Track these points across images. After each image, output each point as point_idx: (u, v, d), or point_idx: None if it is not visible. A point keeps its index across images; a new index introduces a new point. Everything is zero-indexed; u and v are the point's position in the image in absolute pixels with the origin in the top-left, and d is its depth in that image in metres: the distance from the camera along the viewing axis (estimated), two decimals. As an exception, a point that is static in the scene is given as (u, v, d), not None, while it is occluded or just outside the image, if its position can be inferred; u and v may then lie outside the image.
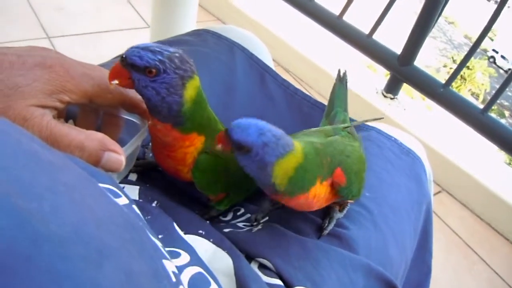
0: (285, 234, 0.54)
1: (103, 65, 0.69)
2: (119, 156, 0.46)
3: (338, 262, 0.52)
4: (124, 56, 0.46)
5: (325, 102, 2.35)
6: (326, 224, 0.57)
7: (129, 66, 0.46)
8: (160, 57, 0.45)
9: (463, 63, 1.82)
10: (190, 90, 0.47)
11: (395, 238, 0.61)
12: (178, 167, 0.52)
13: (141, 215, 0.41)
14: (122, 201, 0.38)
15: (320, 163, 0.52)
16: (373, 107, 1.97)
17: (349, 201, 0.59)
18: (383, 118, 0.74)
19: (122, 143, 0.49)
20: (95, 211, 0.27)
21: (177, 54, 0.46)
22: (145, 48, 0.45)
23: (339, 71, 0.75)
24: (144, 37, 2.15)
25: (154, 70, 0.45)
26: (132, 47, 0.46)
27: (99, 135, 0.45)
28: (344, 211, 0.60)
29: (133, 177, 0.57)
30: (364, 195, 0.62)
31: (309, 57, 2.19)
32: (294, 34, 2.29)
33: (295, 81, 2.20)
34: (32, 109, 0.42)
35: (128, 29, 2.21)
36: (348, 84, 2.27)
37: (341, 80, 0.75)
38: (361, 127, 0.75)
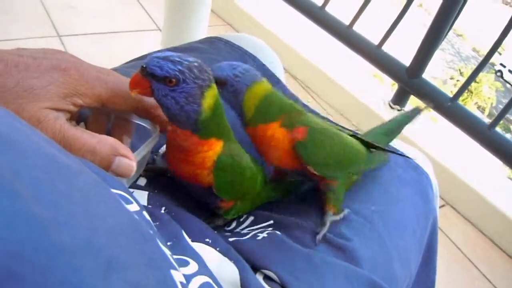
0: (291, 246, 0.54)
1: (115, 70, 0.70)
2: (130, 161, 0.46)
3: (343, 277, 0.52)
4: (144, 66, 0.46)
5: (331, 111, 2.33)
6: (319, 230, 0.58)
7: (149, 75, 0.47)
8: (180, 67, 0.46)
9: (472, 78, 1.82)
10: (208, 99, 0.48)
11: (399, 254, 0.61)
12: (197, 171, 0.53)
13: (151, 221, 0.41)
14: (133, 207, 0.38)
15: (285, 108, 0.58)
16: (380, 118, 1.97)
17: (330, 182, 0.60)
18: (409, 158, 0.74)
19: (132, 147, 0.49)
20: (107, 220, 0.27)
21: (196, 64, 0.47)
22: (165, 58, 0.46)
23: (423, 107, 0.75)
24: (153, 39, 2.16)
25: (174, 80, 0.46)
26: (152, 56, 0.47)
27: (111, 140, 0.46)
28: (341, 215, 0.61)
29: (142, 182, 0.57)
30: (369, 208, 0.62)
31: (317, 65, 2.20)
32: (303, 42, 2.30)
33: (302, 88, 2.20)
34: (46, 112, 0.42)
35: (138, 30, 2.22)
36: (355, 94, 2.26)
37: (413, 113, 0.74)
38: None
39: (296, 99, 0.79)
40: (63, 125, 0.43)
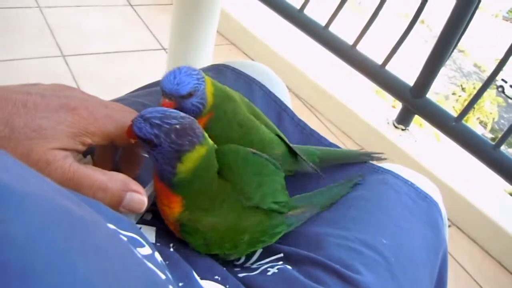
0: (303, 283, 0.53)
1: (121, 100, 0.69)
2: (141, 196, 0.46)
3: None
4: (131, 121, 0.48)
5: (335, 129, 2.34)
6: None
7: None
8: (156, 131, 0.46)
9: (476, 98, 1.82)
10: (187, 163, 0.47)
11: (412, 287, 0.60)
12: (167, 222, 0.53)
13: (163, 263, 0.41)
14: (145, 251, 0.38)
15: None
16: (384, 138, 1.96)
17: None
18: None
19: (140, 180, 0.49)
20: (122, 278, 0.27)
21: (177, 127, 0.46)
22: (146, 119, 0.46)
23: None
24: (159, 59, 2.18)
25: (151, 142, 0.46)
26: (141, 113, 0.47)
27: (121, 176, 0.45)
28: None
29: (148, 216, 0.56)
30: (381, 242, 0.61)
31: (321, 84, 2.20)
32: (307, 61, 2.31)
33: (306, 108, 2.20)
34: (55, 152, 0.41)
35: (142, 50, 2.23)
36: (359, 113, 2.27)
37: (368, 158, 0.76)
38: (377, 169, 0.74)
39: (304, 125, 0.79)
40: (72, 164, 0.42)
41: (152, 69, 2.08)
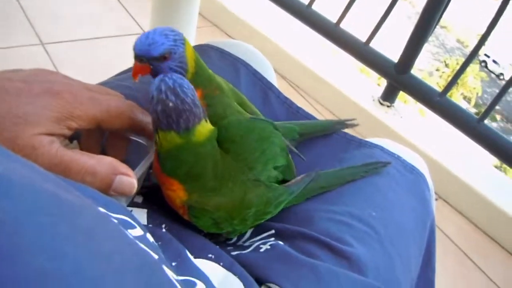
0: (295, 257, 0.54)
1: (105, 83, 0.68)
2: (131, 179, 0.46)
3: (350, 287, 0.52)
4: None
5: (321, 108, 2.33)
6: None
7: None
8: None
9: (459, 73, 1.83)
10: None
11: (402, 259, 0.61)
12: (174, 207, 0.53)
13: (156, 244, 0.41)
14: (137, 232, 0.37)
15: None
16: (370, 115, 1.97)
17: None
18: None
19: (129, 164, 0.49)
20: (114, 260, 0.26)
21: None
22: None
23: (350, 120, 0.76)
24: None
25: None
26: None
27: (109, 159, 0.45)
28: None
29: (138, 199, 0.56)
30: (371, 214, 0.62)
31: (306, 64, 2.19)
32: (291, 41, 2.29)
33: (291, 88, 2.20)
34: (41, 138, 0.41)
35: (123, 35, 2.20)
36: (345, 92, 2.26)
37: (339, 123, 0.76)
38: (363, 144, 0.75)
39: (290, 103, 0.78)
40: (59, 150, 0.42)
41: (135, 54, 2.05)
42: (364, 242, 0.59)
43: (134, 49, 0.51)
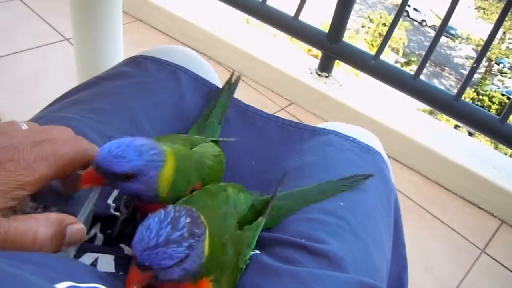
0: (276, 267, 0.52)
1: (40, 118, 0.61)
2: (78, 226, 0.42)
3: (334, 287, 0.51)
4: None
5: (262, 89, 2.29)
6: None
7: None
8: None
9: (388, 34, 1.87)
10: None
11: (375, 243, 0.60)
12: None
13: None
14: None
15: (190, 167, 0.52)
16: (311, 88, 1.97)
17: None
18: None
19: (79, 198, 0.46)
20: None
21: None
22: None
23: (232, 74, 0.75)
24: (63, 51, 2.02)
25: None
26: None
27: (54, 215, 0.40)
28: None
29: (99, 241, 0.52)
30: (339, 205, 0.61)
31: (239, 46, 2.15)
32: (218, 24, 2.24)
33: (228, 72, 2.16)
34: None
35: (44, 45, 2.06)
36: (282, 67, 2.25)
37: (230, 87, 0.75)
38: (318, 131, 0.74)
39: (238, 103, 0.76)
40: (2, 226, 0.37)
41: (59, 64, 1.93)
42: (338, 235, 0.58)
43: (97, 155, 0.43)
